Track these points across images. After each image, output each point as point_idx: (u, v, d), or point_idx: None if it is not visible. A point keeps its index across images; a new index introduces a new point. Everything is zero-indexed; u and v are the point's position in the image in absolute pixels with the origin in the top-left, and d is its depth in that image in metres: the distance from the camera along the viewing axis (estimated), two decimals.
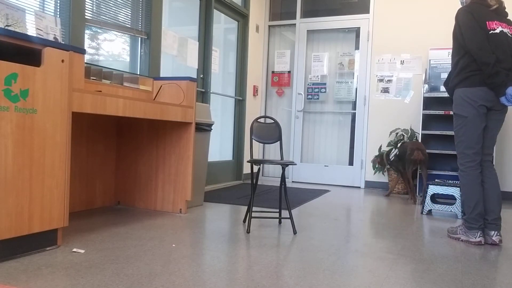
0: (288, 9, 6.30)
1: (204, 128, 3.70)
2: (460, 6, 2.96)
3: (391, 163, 4.86)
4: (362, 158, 5.76)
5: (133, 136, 3.51)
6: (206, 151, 3.86)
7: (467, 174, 2.80)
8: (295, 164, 3.13)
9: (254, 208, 3.43)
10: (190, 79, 3.37)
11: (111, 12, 3.55)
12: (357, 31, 5.87)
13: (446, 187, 3.83)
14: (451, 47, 2.93)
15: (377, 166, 5.26)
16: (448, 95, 3.03)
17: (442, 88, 5.16)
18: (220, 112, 5.58)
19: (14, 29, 2.35)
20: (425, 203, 3.87)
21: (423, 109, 5.07)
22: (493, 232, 2.77)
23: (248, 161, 3.00)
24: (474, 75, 2.74)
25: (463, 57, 2.79)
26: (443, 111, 4.99)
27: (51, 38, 2.66)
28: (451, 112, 4.92)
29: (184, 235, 2.68)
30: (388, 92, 5.63)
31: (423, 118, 5.07)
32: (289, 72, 6.26)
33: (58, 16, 3.03)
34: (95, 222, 2.94)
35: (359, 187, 5.74)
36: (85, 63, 2.58)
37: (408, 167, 4.48)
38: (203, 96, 4.93)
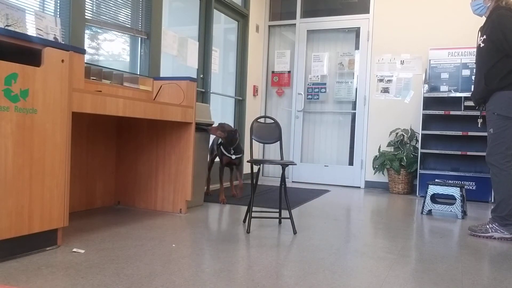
0: (288, 9, 6.29)
1: (204, 128, 3.70)
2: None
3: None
4: (362, 158, 5.76)
5: (133, 136, 3.51)
6: (206, 151, 3.86)
7: (508, 173, 2.91)
8: (295, 164, 3.13)
9: (254, 208, 3.42)
10: (190, 79, 3.37)
11: (111, 12, 3.55)
12: (357, 31, 5.87)
13: (446, 187, 3.82)
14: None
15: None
16: (477, 97, 3.06)
17: (442, 88, 5.17)
18: (220, 112, 5.58)
19: (14, 29, 2.35)
20: (425, 203, 3.87)
21: (423, 109, 5.06)
22: None
23: (248, 161, 2.99)
24: None
25: (501, 60, 2.88)
26: (443, 111, 4.98)
27: (51, 38, 2.66)
28: (451, 112, 4.96)
29: (184, 235, 2.68)
30: (388, 92, 5.62)
31: (423, 118, 5.07)
32: (289, 72, 6.26)
33: (58, 16, 3.03)
34: (95, 222, 2.94)
35: (359, 187, 5.74)
36: (85, 63, 2.58)
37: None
38: (203, 96, 4.92)
